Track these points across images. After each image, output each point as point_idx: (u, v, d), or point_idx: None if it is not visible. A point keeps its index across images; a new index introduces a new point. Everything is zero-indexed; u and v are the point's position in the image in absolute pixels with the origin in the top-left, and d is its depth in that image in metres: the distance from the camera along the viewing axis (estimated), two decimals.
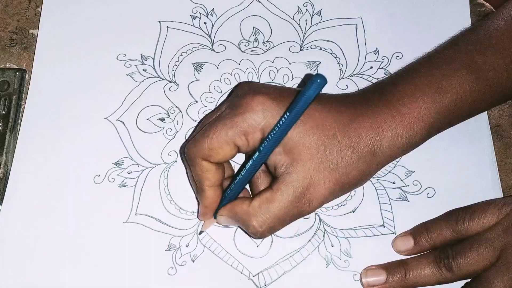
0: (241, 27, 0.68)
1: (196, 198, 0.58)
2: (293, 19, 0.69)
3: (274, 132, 0.50)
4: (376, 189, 0.60)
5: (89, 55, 0.66)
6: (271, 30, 0.68)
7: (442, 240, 0.56)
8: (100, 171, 0.60)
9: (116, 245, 0.57)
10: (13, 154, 0.61)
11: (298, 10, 0.69)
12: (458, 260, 0.54)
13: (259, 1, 0.70)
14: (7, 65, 0.66)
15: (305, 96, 0.47)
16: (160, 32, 0.68)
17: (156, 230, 0.58)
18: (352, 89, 0.65)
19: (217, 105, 0.64)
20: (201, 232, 0.58)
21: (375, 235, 0.59)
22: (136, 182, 0.60)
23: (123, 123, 0.63)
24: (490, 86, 0.57)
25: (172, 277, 0.56)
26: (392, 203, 0.60)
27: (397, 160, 0.61)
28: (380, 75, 0.66)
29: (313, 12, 0.69)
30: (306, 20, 0.69)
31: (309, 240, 0.58)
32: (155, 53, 0.67)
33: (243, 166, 0.54)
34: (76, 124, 0.63)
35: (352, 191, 0.60)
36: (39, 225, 0.58)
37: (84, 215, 0.59)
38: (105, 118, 0.63)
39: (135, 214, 0.59)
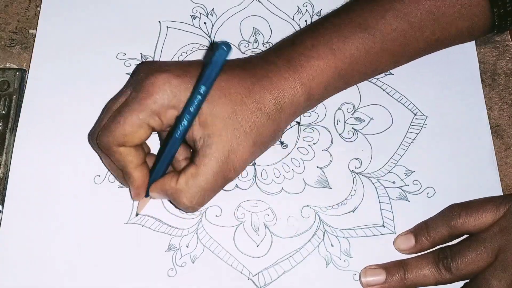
0: (241, 27, 0.68)
1: (122, 183, 0.59)
2: (293, 20, 0.69)
3: (190, 107, 0.50)
4: (376, 189, 0.60)
5: (88, 53, 0.66)
6: (271, 30, 0.68)
7: (441, 237, 0.57)
8: (100, 171, 0.60)
9: (116, 245, 0.57)
10: (12, 155, 0.61)
11: (298, 10, 0.69)
12: (457, 260, 0.54)
13: (259, 1, 0.70)
14: (7, 65, 0.66)
15: (217, 65, 0.48)
16: (160, 32, 0.68)
17: (156, 230, 0.58)
18: (352, 89, 0.64)
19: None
20: (137, 214, 0.59)
21: (375, 235, 0.59)
22: None
23: None
24: (387, 49, 0.59)
25: (172, 279, 0.56)
26: (392, 202, 0.60)
27: (397, 160, 0.61)
28: (380, 75, 0.65)
29: (313, 12, 0.69)
30: (306, 21, 0.69)
31: (309, 240, 0.58)
32: (155, 53, 0.67)
33: (164, 144, 0.55)
34: (76, 124, 0.62)
35: (352, 191, 0.60)
36: (40, 225, 0.58)
37: (84, 216, 0.59)
38: None
39: (136, 215, 0.59)
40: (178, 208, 0.58)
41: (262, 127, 0.54)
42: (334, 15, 0.60)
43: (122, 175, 0.56)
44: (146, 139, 0.54)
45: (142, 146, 0.55)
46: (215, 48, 0.47)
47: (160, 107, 0.52)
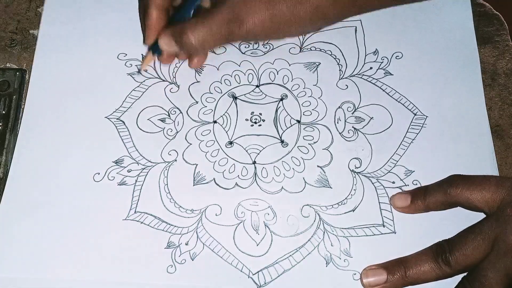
0: None
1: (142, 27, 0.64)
2: None
3: None
4: (376, 189, 0.60)
5: (89, 54, 0.67)
6: None
7: (435, 202, 0.57)
8: (100, 169, 0.60)
9: (116, 242, 0.57)
10: (13, 153, 0.61)
11: None
12: (455, 254, 0.54)
13: None
14: (7, 65, 0.66)
15: None
16: None
17: (156, 228, 0.58)
18: (352, 89, 0.65)
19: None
20: (139, 71, 0.65)
21: (374, 235, 0.58)
22: (136, 180, 0.60)
23: (123, 122, 0.63)
24: None
25: (171, 275, 0.56)
26: None
27: (397, 160, 0.61)
28: (380, 75, 0.66)
29: None
30: None
31: (309, 239, 0.58)
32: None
33: None
34: (76, 123, 0.63)
35: (352, 191, 0.60)
36: (39, 223, 0.58)
37: (83, 213, 0.58)
38: (105, 117, 0.63)
39: (135, 212, 0.59)
40: (182, 50, 0.61)
41: (281, 2, 0.57)
42: None
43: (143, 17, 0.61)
44: None
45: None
46: None
47: None
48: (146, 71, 0.66)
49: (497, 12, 0.70)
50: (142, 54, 0.67)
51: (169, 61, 0.66)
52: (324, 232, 0.58)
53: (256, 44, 0.68)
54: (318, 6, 0.58)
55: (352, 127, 0.63)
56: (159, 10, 0.60)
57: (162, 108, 0.64)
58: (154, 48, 0.62)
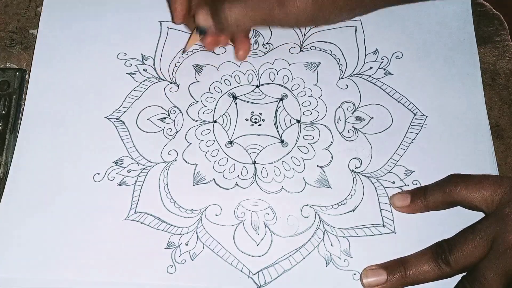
0: None
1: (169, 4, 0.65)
2: None
3: None
4: (375, 189, 0.60)
5: (89, 53, 0.67)
6: (271, 32, 0.69)
7: (435, 202, 0.58)
8: (99, 169, 0.60)
9: (116, 242, 0.57)
10: (13, 153, 0.61)
11: None
12: (454, 254, 0.54)
13: None
14: (7, 65, 0.66)
15: None
16: (160, 33, 0.68)
17: (156, 228, 0.58)
18: (352, 89, 0.65)
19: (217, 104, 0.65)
20: (184, 51, 0.66)
21: (374, 235, 0.58)
22: (136, 180, 0.60)
23: (123, 122, 0.63)
24: None
25: (171, 275, 0.56)
26: None
27: (397, 160, 0.61)
28: (380, 75, 0.66)
29: None
30: None
31: (309, 240, 0.58)
32: (155, 54, 0.67)
33: None
34: (76, 123, 0.63)
35: (352, 191, 0.60)
36: (39, 223, 0.58)
37: (83, 213, 0.58)
38: (105, 117, 0.63)
39: (135, 212, 0.59)
40: (218, 26, 0.59)
41: None
42: None
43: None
44: None
45: None
46: None
47: None
48: (191, 51, 0.67)
49: (497, 12, 0.70)
50: (141, 54, 0.67)
51: (212, 44, 0.65)
52: (324, 232, 0.58)
53: (256, 44, 0.68)
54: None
55: (352, 127, 0.63)
56: None
57: (162, 108, 0.64)
58: (200, 30, 0.61)
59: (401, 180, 0.61)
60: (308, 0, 0.56)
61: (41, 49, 0.67)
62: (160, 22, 0.69)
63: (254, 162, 0.61)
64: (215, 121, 0.64)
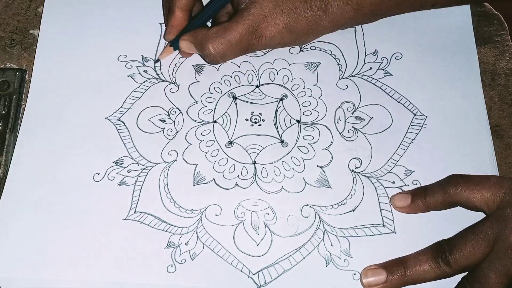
0: None
1: (166, 23, 0.66)
2: None
3: None
4: (375, 189, 0.60)
5: (90, 55, 0.67)
6: None
7: (435, 202, 0.58)
8: (99, 169, 0.61)
9: (116, 242, 0.57)
10: (13, 153, 0.61)
11: None
12: (455, 254, 0.54)
13: None
14: (7, 65, 0.66)
15: None
16: (161, 34, 0.68)
17: (155, 228, 0.58)
18: (352, 89, 0.65)
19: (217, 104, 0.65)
20: (157, 60, 0.67)
21: (374, 235, 0.58)
22: (136, 180, 0.60)
23: (123, 123, 0.63)
24: None
25: (171, 275, 0.56)
26: None
27: (397, 160, 0.61)
28: (380, 75, 0.66)
29: None
30: None
31: (309, 239, 0.58)
32: (156, 55, 0.67)
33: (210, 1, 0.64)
34: (76, 123, 0.63)
35: (352, 191, 0.60)
36: (38, 223, 0.58)
37: (83, 213, 0.59)
38: (105, 118, 0.63)
39: (135, 212, 0.59)
40: (203, 58, 0.65)
41: (299, 14, 0.61)
42: None
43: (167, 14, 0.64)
44: None
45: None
46: None
47: None
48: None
49: (497, 12, 0.70)
50: (142, 56, 0.67)
51: (188, 55, 0.67)
52: (324, 232, 0.58)
53: None
54: (337, 20, 0.63)
55: (352, 127, 0.63)
56: (183, 11, 0.63)
57: (162, 108, 0.64)
58: (174, 44, 0.65)
59: (401, 180, 0.61)
60: (284, 29, 0.61)
61: (42, 50, 0.67)
62: (160, 24, 0.69)
63: (254, 162, 0.61)
64: (215, 121, 0.64)
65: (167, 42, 0.66)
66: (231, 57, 0.64)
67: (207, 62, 0.66)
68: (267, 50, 0.67)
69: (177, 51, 0.66)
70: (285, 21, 0.61)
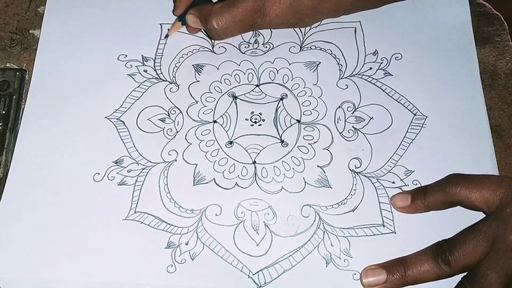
0: None
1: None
2: None
3: None
4: (376, 189, 0.60)
5: (90, 54, 0.67)
6: (271, 31, 0.69)
7: (435, 201, 0.57)
8: (99, 169, 0.61)
9: (116, 242, 0.57)
10: (13, 153, 0.61)
11: None
12: (455, 254, 0.53)
13: None
14: (7, 65, 0.66)
15: None
16: (161, 34, 0.68)
17: (155, 228, 0.58)
18: (352, 89, 0.65)
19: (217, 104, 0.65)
20: (166, 36, 0.68)
21: (374, 235, 0.58)
22: (136, 180, 0.60)
23: (123, 122, 0.63)
24: None
25: (171, 275, 0.56)
26: None
27: (397, 160, 0.61)
28: (380, 75, 0.66)
29: None
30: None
31: (309, 239, 0.58)
32: (155, 55, 0.67)
33: None
34: (76, 123, 0.63)
35: (352, 190, 0.60)
36: (38, 223, 0.58)
37: (83, 213, 0.59)
38: (105, 118, 0.63)
39: (135, 212, 0.59)
40: (207, 34, 0.67)
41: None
42: None
43: None
44: None
45: None
46: None
47: None
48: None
49: (497, 12, 0.70)
50: (142, 55, 0.67)
51: (195, 31, 0.69)
52: (324, 232, 0.58)
53: (256, 43, 0.68)
54: (341, 2, 0.63)
55: (352, 127, 0.63)
56: None
57: (162, 108, 0.64)
58: (182, 19, 0.67)
59: (401, 180, 0.61)
60: (289, 9, 0.62)
61: (43, 50, 0.67)
62: (160, 24, 0.69)
63: (254, 162, 0.61)
64: (215, 121, 0.64)
65: (176, 18, 0.67)
66: (234, 34, 0.65)
67: (211, 38, 0.67)
68: (267, 49, 0.67)
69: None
70: (290, 0, 0.62)
